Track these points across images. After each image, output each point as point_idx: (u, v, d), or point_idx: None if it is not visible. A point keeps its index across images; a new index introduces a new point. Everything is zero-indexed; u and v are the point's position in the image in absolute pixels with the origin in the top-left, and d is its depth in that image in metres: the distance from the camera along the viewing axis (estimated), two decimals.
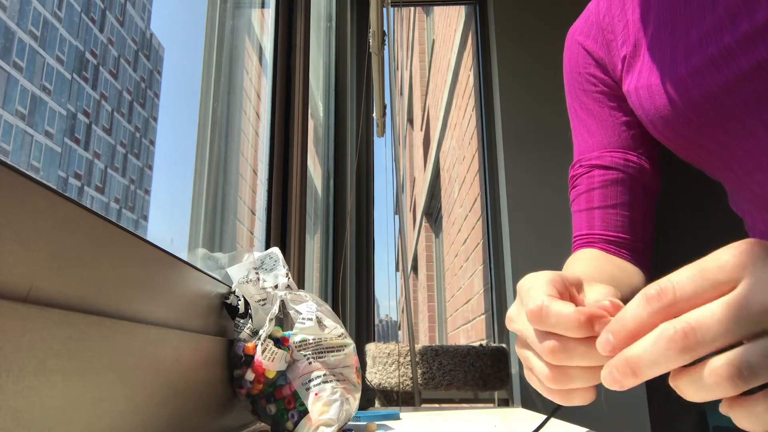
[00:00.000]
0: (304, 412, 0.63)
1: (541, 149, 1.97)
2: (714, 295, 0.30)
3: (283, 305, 0.68)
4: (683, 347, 0.30)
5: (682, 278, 0.31)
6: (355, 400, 0.67)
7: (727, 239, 0.32)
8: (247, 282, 0.69)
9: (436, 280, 5.95)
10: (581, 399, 0.38)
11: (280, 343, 0.65)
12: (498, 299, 2.06)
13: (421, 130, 6.76)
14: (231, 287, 0.71)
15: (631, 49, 0.61)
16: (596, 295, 0.41)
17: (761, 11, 0.46)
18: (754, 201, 0.57)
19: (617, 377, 0.32)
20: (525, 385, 1.78)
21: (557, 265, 0.53)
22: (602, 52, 0.65)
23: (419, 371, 1.76)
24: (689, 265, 0.32)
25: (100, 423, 0.39)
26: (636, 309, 0.32)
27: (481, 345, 1.86)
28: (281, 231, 1.08)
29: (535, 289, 0.38)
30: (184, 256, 0.58)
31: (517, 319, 0.41)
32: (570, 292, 0.41)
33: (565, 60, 0.71)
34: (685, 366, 0.31)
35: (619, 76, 0.64)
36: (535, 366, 0.38)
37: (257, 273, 0.70)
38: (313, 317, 0.66)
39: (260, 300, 0.68)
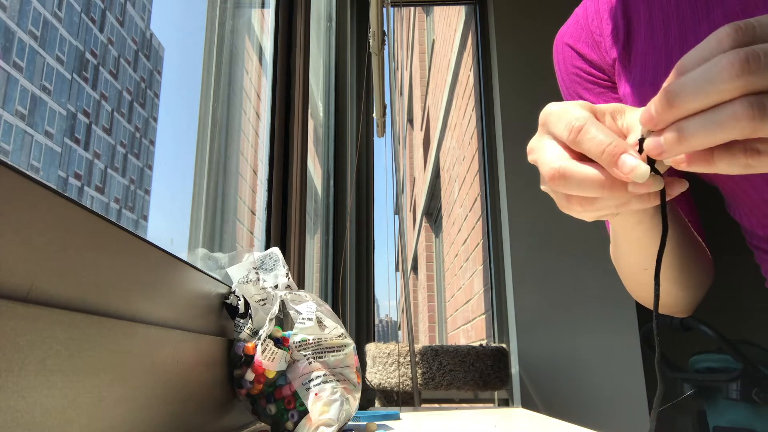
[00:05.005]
0: (304, 412, 0.63)
1: None
2: None
3: (283, 305, 0.68)
4: (740, 70, 0.26)
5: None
6: (355, 400, 0.67)
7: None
8: (247, 282, 0.69)
9: (436, 280, 5.95)
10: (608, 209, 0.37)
11: (280, 343, 0.65)
12: (498, 299, 2.06)
13: (421, 130, 6.76)
14: (231, 287, 0.71)
15: (621, 52, 0.60)
16: (635, 118, 0.36)
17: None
18: (750, 206, 0.56)
19: (653, 112, 0.29)
20: (525, 385, 1.78)
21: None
22: (594, 55, 0.64)
23: (419, 371, 1.76)
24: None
25: (100, 423, 0.39)
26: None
27: (481, 345, 1.86)
28: (281, 231, 1.08)
29: (569, 110, 0.35)
30: (184, 256, 0.58)
31: (537, 149, 0.38)
32: (604, 119, 0.37)
33: (558, 64, 0.69)
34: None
35: (613, 78, 0.63)
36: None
37: (257, 273, 0.70)
38: (313, 317, 0.66)
39: (260, 300, 0.68)
